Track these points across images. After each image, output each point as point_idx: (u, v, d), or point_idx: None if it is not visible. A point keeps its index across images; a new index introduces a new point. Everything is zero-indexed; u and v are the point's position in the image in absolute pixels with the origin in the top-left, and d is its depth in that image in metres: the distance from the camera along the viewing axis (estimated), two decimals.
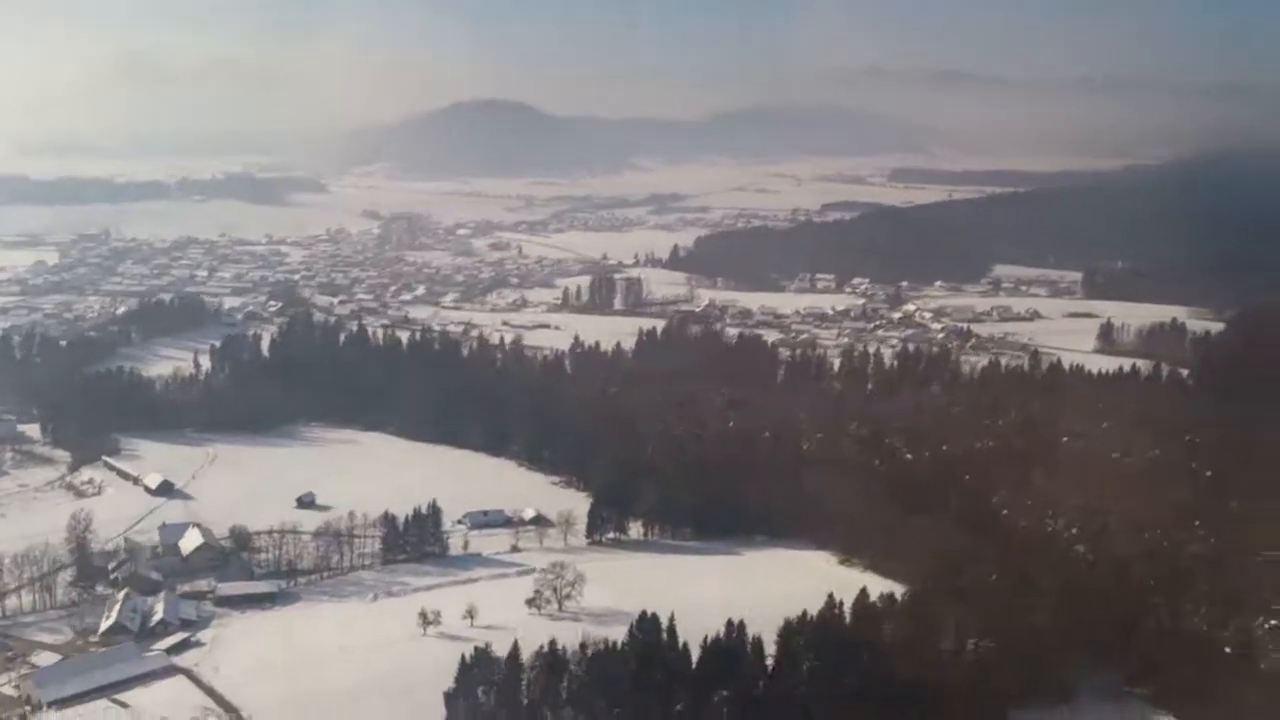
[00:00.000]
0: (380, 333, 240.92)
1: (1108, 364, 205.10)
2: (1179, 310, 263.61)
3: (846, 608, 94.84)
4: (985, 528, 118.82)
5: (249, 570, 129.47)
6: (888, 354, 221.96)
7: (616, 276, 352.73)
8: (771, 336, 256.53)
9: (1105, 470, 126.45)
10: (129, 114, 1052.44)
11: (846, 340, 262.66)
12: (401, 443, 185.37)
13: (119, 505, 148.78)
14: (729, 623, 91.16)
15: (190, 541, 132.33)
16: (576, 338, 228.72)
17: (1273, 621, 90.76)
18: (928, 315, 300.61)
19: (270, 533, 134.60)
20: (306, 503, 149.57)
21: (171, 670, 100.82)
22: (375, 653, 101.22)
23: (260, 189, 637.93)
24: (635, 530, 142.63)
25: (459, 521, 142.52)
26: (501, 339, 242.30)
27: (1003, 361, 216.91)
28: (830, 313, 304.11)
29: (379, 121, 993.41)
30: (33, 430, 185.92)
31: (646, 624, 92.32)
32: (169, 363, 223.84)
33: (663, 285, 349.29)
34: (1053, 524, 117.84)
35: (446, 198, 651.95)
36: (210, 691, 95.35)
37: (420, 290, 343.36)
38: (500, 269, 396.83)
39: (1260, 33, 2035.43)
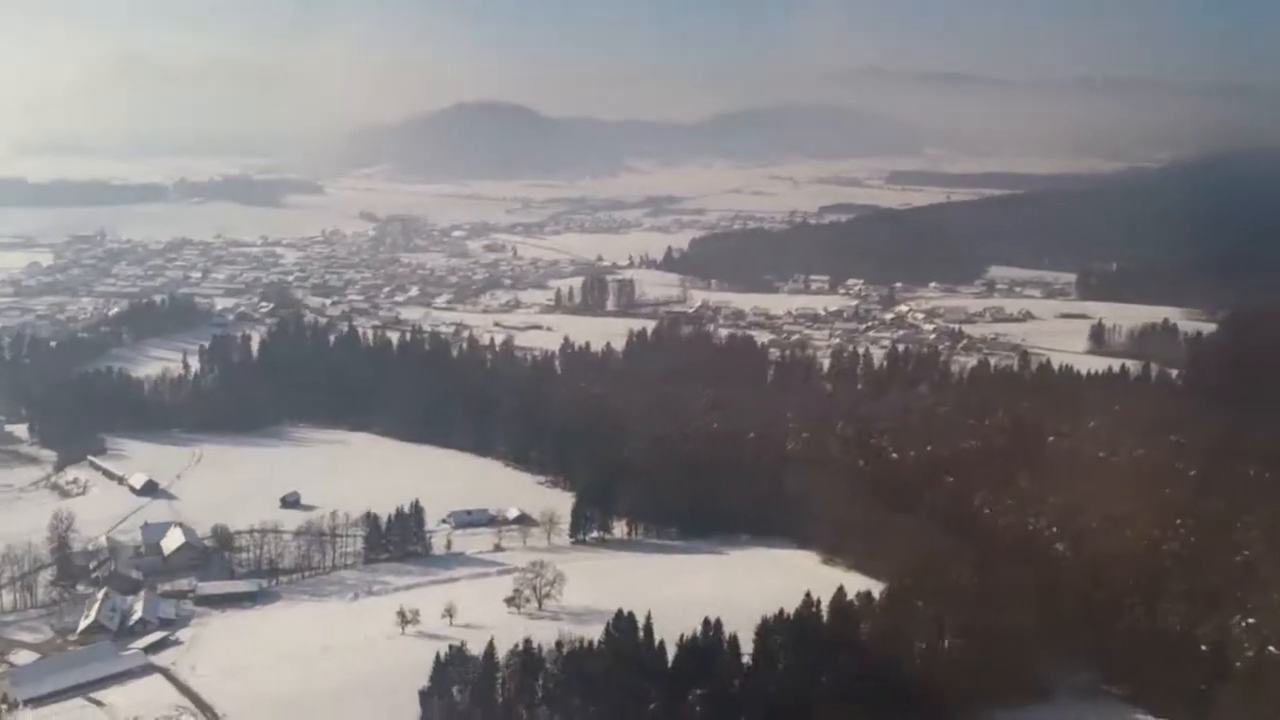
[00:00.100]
0: (371, 333, 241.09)
1: (1098, 364, 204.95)
2: (1172, 311, 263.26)
3: (824, 606, 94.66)
4: (967, 527, 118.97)
5: (230, 569, 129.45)
6: (878, 355, 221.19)
7: (610, 278, 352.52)
8: (763, 337, 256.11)
9: (1089, 470, 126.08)
10: (128, 114, 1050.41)
11: (838, 341, 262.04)
12: (389, 443, 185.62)
13: (103, 505, 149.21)
14: (705, 621, 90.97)
15: (172, 541, 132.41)
16: (567, 339, 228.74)
17: (1249, 620, 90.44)
18: (920, 316, 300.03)
19: (252, 532, 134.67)
20: (291, 502, 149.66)
21: (148, 669, 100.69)
22: (352, 652, 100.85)
23: (257, 191, 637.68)
24: (619, 530, 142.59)
25: (443, 521, 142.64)
26: (492, 340, 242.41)
27: (992, 362, 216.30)
28: (822, 314, 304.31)
29: (379, 123, 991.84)
30: (20, 430, 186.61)
31: (623, 623, 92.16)
32: (159, 363, 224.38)
33: (656, 287, 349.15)
34: (1034, 523, 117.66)
35: (444, 200, 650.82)
36: (186, 690, 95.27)
37: (413, 291, 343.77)
38: (494, 270, 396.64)
39: (1260, 33, 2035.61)
